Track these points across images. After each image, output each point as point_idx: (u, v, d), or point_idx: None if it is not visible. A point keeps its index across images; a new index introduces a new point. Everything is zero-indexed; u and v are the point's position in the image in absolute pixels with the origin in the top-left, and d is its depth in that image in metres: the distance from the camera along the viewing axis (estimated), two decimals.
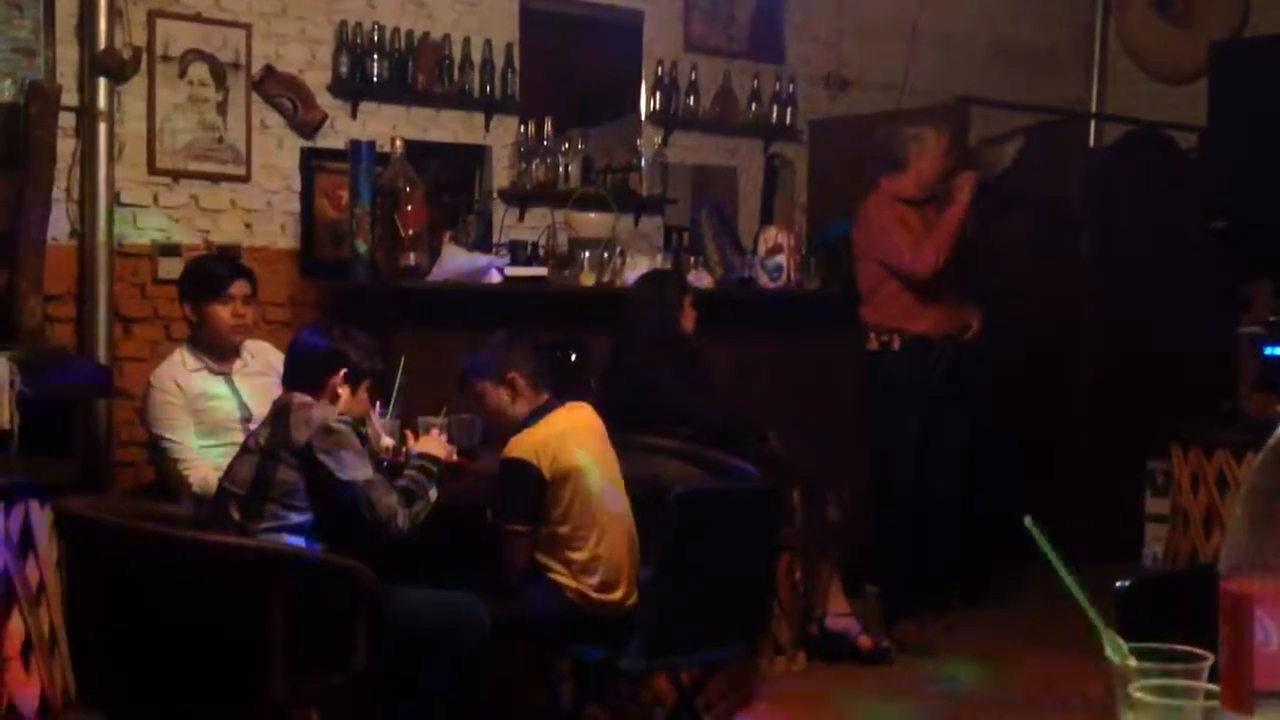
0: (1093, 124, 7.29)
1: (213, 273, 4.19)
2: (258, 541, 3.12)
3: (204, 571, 2.88)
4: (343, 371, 3.39)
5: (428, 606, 3.25)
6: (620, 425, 4.12)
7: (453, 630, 3.25)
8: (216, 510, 3.28)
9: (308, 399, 3.30)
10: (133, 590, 2.93)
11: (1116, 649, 1.19)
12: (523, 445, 3.51)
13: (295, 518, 3.19)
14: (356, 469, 3.21)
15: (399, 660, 3.12)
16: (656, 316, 4.84)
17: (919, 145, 5.22)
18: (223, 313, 4.05)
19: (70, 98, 4.72)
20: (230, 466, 3.34)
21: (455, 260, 5.02)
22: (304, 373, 3.41)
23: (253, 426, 3.57)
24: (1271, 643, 1.07)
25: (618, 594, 3.53)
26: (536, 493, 3.47)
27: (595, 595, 3.50)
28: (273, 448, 3.23)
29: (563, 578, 3.50)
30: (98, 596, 3.07)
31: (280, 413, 3.29)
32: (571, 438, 3.55)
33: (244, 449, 3.33)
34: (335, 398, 3.37)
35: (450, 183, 5.58)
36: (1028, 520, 1.28)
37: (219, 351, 4.08)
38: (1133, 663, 1.17)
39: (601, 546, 3.50)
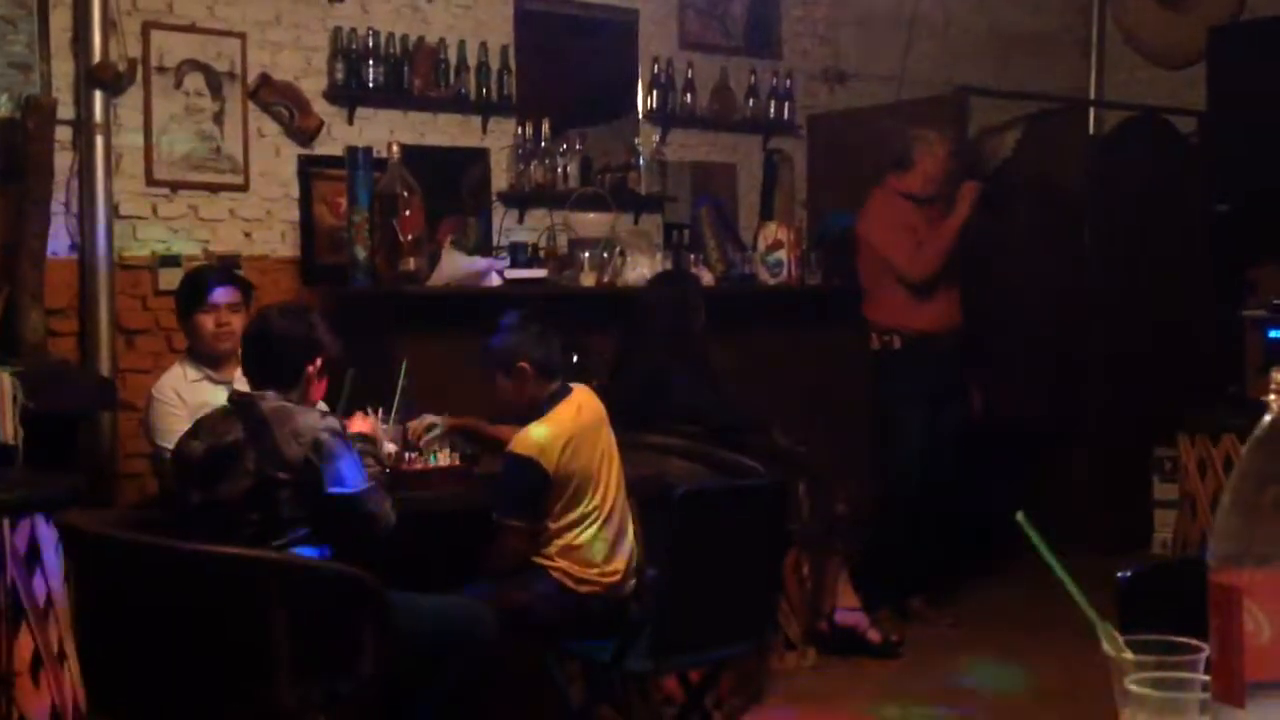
0: (1092, 111, 7.27)
1: (195, 282, 4.18)
2: (263, 552, 3.08)
3: (210, 582, 2.88)
4: (320, 360, 3.26)
5: (434, 612, 3.24)
6: (628, 424, 4.11)
7: (460, 635, 3.24)
8: (208, 522, 3.10)
9: (282, 403, 3.13)
10: (140, 602, 2.92)
11: (1112, 642, 1.19)
12: (532, 442, 3.48)
13: (299, 534, 3.11)
14: (354, 480, 3.11)
15: (406, 667, 3.11)
16: (671, 317, 4.84)
17: (924, 146, 5.40)
18: (206, 322, 4.05)
19: (66, 111, 4.73)
20: (216, 475, 3.10)
21: (455, 264, 5.01)
22: (277, 364, 3.21)
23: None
24: (1263, 634, 1.06)
25: (617, 573, 3.57)
26: (539, 491, 3.47)
27: (598, 578, 3.53)
28: (265, 471, 3.05)
29: (563, 569, 3.51)
30: (105, 609, 3.07)
31: (259, 425, 3.09)
32: (581, 431, 3.55)
33: (225, 457, 3.09)
34: (309, 388, 3.25)
35: (448, 186, 5.57)
36: (1019, 516, 1.27)
37: (216, 361, 4.08)
38: (1128, 655, 1.17)
39: (603, 530, 3.54)
